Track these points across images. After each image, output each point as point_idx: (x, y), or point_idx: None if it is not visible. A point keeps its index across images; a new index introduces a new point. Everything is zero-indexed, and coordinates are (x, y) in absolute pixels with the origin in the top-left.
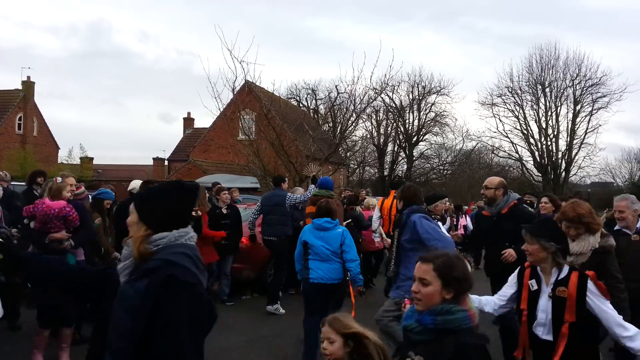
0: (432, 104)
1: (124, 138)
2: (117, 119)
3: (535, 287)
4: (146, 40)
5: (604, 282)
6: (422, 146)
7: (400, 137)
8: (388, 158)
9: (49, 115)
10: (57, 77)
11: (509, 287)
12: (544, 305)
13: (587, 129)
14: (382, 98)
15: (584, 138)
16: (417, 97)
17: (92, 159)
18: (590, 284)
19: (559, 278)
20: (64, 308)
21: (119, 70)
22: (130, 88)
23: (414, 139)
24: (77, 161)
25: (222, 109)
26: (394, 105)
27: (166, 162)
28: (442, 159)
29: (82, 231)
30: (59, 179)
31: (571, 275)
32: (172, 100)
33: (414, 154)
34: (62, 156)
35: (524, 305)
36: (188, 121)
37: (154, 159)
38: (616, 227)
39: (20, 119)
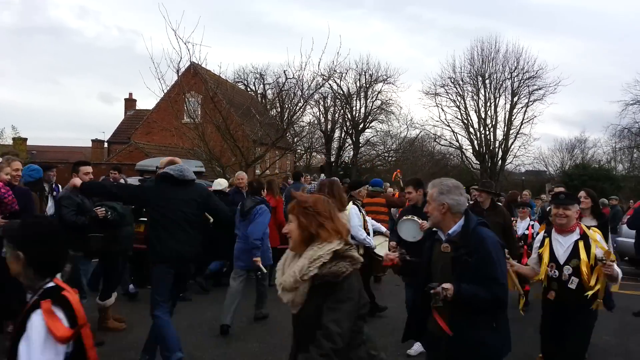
0: (379, 92)
1: (61, 118)
2: (54, 99)
3: None
4: (85, 16)
5: None
6: (368, 133)
7: (347, 123)
8: (335, 144)
9: None
10: None
11: None
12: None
13: (523, 119)
14: (329, 84)
15: (520, 128)
16: (364, 84)
17: (26, 139)
18: None
19: None
20: (5, 300)
21: (55, 47)
22: (68, 66)
23: (361, 125)
24: (10, 142)
25: (166, 91)
26: (341, 92)
27: (106, 144)
28: (387, 146)
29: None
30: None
31: None
32: (113, 80)
33: (360, 140)
34: None
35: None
36: (130, 102)
37: (92, 140)
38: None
39: None
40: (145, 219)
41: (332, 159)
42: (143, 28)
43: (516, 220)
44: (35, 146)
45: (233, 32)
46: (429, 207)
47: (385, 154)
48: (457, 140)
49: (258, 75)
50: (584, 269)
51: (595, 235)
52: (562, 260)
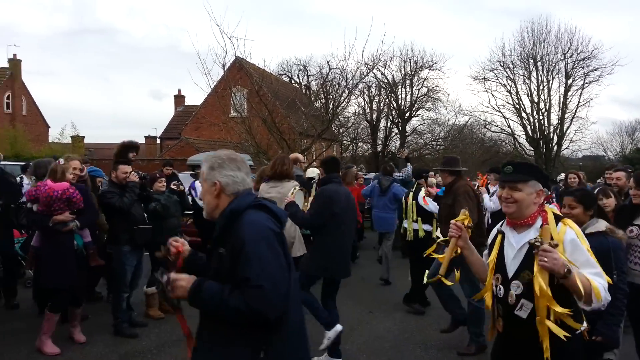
0: (425, 79)
1: (115, 116)
2: (107, 97)
3: None
4: (133, 15)
5: None
6: (414, 122)
7: (393, 112)
8: (381, 134)
9: (37, 94)
10: (43, 55)
11: None
12: None
13: (578, 102)
14: (374, 74)
15: (575, 112)
16: (409, 72)
17: (83, 137)
18: None
19: None
20: (76, 290)
21: (106, 47)
22: (119, 65)
23: (407, 114)
24: (69, 140)
25: (212, 86)
26: (386, 80)
27: (158, 141)
28: (435, 134)
29: (87, 213)
30: (62, 161)
31: None
32: (162, 77)
33: (407, 129)
34: (53, 135)
35: None
36: (179, 98)
37: (145, 137)
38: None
39: (8, 97)
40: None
41: (379, 149)
42: (189, 25)
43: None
44: (92, 144)
45: (276, 24)
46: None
47: (433, 142)
48: (509, 126)
49: (302, 67)
50: (537, 288)
51: (566, 228)
52: (510, 272)
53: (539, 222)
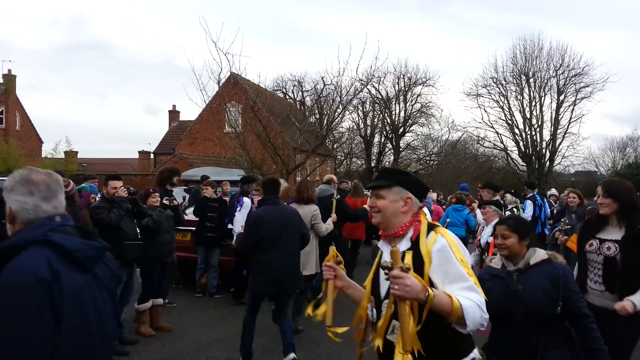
0: (418, 95)
1: (109, 131)
2: (101, 112)
3: None
4: (128, 31)
5: None
6: (408, 137)
7: (387, 128)
8: (375, 149)
9: (31, 109)
10: (37, 70)
11: None
12: None
13: (570, 118)
14: (368, 89)
15: (567, 128)
16: (403, 88)
17: (76, 152)
18: None
19: None
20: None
21: (101, 62)
22: (114, 80)
23: (401, 130)
24: (62, 155)
25: (207, 102)
26: (380, 96)
27: (152, 156)
28: (429, 150)
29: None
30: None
31: None
32: (157, 92)
33: (401, 144)
34: (47, 150)
35: None
36: (173, 114)
37: (139, 152)
38: None
39: (2, 112)
40: (191, 228)
41: (373, 164)
42: (184, 41)
43: (481, 228)
44: (85, 159)
45: (271, 41)
46: None
47: (427, 157)
48: (502, 142)
49: (296, 83)
50: (401, 308)
51: (437, 236)
52: (383, 292)
53: (410, 232)
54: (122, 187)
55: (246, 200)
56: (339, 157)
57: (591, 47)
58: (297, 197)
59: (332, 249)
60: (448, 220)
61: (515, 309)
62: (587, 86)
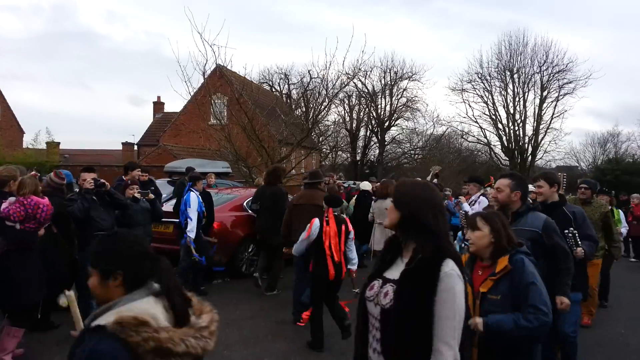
0: (404, 90)
1: (92, 122)
2: (85, 103)
3: None
4: (113, 20)
5: None
6: (393, 131)
7: (373, 122)
8: (360, 143)
9: (13, 99)
10: (20, 59)
11: None
12: None
13: (553, 114)
14: (354, 83)
15: (550, 123)
16: (389, 82)
17: (58, 143)
18: None
19: None
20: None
21: (85, 52)
22: (98, 71)
23: (386, 123)
24: (43, 146)
25: (192, 93)
26: (366, 90)
27: (135, 147)
28: (413, 144)
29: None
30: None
31: None
32: (142, 83)
33: (386, 138)
34: (28, 141)
35: None
36: (158, 105)
37: (122, 143)
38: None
39: None
40: (174, 220)
41: (358, 158)
42: (170, 31)
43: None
44: (68, 150)
45: (257, 33)
46: None
47: (412, 151)
48: (485, 137)
49: (283, 76)
50: None
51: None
52: None
53: None
54: (89, 180)
55: (192, 196)
56: (324, 150)
57: (575, 44)
58: (383, 194)
59: None
60: None
61: None
62: (570, 82)
